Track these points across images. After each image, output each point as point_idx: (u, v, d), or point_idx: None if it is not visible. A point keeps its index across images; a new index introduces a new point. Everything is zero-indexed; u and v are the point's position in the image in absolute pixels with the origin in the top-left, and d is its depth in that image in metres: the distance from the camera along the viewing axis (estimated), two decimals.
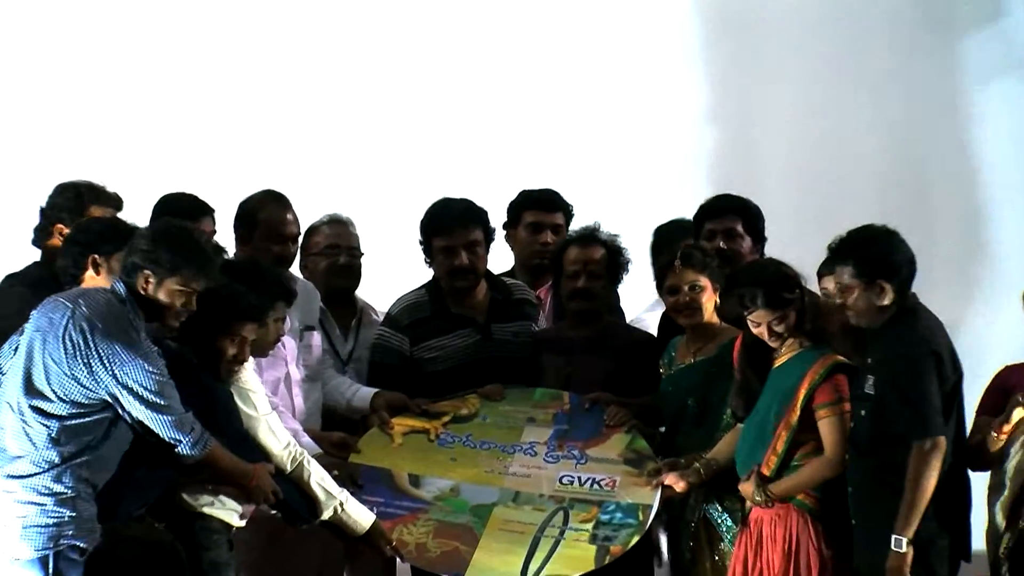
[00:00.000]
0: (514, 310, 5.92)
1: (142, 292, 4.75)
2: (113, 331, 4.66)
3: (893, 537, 4.82)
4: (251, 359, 5.15)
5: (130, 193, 5.65)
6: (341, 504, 5.14)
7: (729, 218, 5.86)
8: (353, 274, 6.08)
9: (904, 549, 4.81)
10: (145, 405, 4.66)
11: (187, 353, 4.94)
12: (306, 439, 5.46)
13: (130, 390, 4.65)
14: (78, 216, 5.35)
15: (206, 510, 5.04)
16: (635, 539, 5.23)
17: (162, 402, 4.68)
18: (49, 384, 4.65)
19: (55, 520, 4.59)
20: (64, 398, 4.65)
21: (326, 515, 5.13)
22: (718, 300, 5.38)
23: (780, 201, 6.88)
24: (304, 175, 7.39)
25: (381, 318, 6.00)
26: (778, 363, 5.17)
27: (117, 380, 4.64)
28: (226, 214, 5.89)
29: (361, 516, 5.20)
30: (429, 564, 5.30)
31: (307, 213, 6.12)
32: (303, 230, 6.05)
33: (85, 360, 4.64)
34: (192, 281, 4.77)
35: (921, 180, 7.89)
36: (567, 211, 6.28)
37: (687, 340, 5.55)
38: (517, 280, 6.14)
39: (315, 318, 5.86)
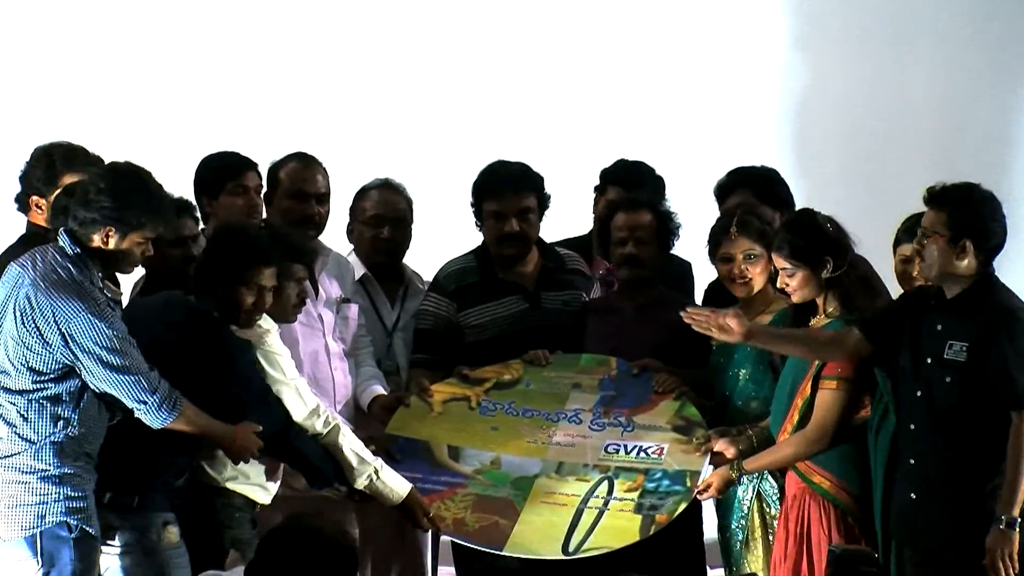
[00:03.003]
0: (565, 280, 5.74)
1: (102, 246, 4.58)
2: (58, 289, 4.51)
3: (1003, 517, 4.59)
4: (275, 327, 5.05)
5: None
6: (376, 471, 5.01)
7: (740, 192, 5.68)
8: (396, 248, 5.84)
9: (1015, 530, 4.59)
10: (101, 364, 4.49)
11: (210, 307, 4.81)
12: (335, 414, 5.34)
13: (83, 349, 4.49)
14: (52, 187, 5.05)
15: (229, 485, 4.92)
16: (682, 506, 5.04)
17: (119, 361, 4.50)
18: (8, 357, 4.54)
19: (39, 498, 4.49)
20: (21, 368, 4.52)
21: (360, 483, 4.99)
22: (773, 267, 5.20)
23: (830, 167, 6.72)
24: (356, 139, 7.34)
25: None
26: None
27: (68, 340, 4.49)
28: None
29: (397, 484, 5.06)
30: (467, 537, 5.11)
31: (359, 177, 5.97)
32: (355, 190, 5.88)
33: (33, 323, 4.51)
34: (155, 230, 4.64)
35: (975, 144, 7.73)
36: (654, 186, 6.00)
37: (739, 310, 5.29)
38: (588, 249, 5.97)
39: (350, 290, 5.70)
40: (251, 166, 5.69)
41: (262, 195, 5.64)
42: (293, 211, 5.54)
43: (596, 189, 6.10)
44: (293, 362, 5.04)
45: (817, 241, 4.97)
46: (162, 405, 4.54)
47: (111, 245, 4.58)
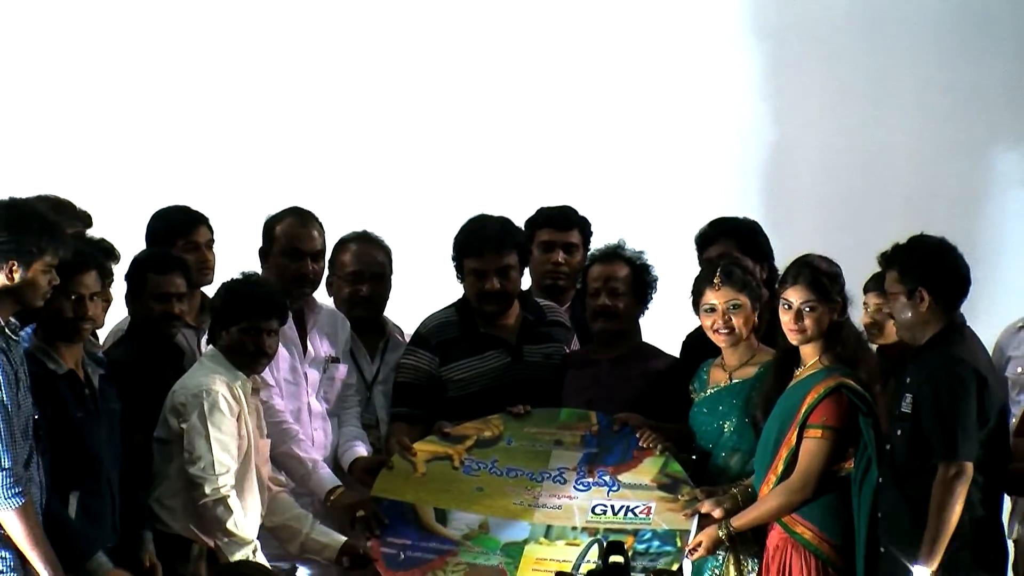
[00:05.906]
0: (546, 332, 5.73)
1: (8, 283, 4.46)
2: None
3: (916, 568, 4.62)
4: (271, 386, 5.13)
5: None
6: (254, 551, 5.00)
7: (722, 243, 5.69)
8: (375, 303, 5.83)
9: None
10: None
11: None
12: (326, 471, 5.38)
13: None
14: None
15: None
16: (674, 567, 5.05)
17: None
18: None
19: None
20: None
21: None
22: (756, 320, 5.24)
23: (805, 223, 6.80)
24: (336, 187, 7.39)
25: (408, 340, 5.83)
26: (795, 380, 5.03)
27: None
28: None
29: None
30: None
31: (340, 228, 5.96)
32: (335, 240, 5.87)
33: None
34: (57, 255, 4.53)
35: (950, 199, 7.82)
36: (584, 229, 6.12)
37: (722, 361, 5.34)
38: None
39: (342, 350, 5.69)
40: (202, 221, 5.74)
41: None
42: (288, 269, 5.54)
43: (528, 240, 6.03)
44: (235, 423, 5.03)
45: (835, 281, 5.01)
46: (8, 487, 4.35)
47: (16, 279, 4.47)
